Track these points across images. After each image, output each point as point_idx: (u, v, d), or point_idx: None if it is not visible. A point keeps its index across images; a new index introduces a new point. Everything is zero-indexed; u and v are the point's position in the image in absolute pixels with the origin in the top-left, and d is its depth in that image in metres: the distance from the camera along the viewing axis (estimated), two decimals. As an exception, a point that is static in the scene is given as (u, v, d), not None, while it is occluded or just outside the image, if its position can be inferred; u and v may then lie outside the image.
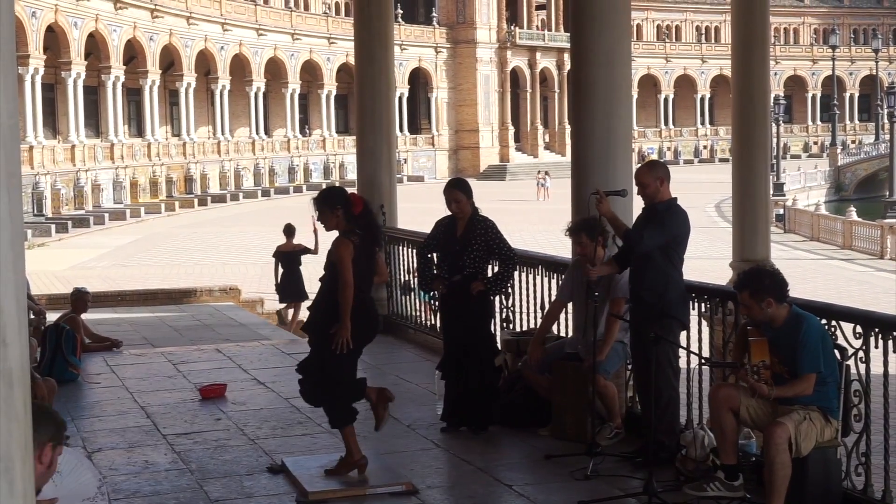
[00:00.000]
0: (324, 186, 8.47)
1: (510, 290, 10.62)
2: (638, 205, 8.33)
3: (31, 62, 46.55)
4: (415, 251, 12.46)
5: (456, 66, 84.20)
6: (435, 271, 9.46)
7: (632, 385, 8.99)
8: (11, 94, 3.17)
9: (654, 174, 8.03)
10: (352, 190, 9.30)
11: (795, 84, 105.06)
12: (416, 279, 12.58)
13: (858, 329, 6.90)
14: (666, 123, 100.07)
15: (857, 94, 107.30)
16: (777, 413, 6.81)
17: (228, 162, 64.36)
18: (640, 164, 8.44)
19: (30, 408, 3.27)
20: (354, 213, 7.85)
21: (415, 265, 12.04)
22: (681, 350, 8.10)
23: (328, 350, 7.71)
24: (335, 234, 7.96)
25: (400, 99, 73.24)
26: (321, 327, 7.84)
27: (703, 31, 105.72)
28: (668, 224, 7.91)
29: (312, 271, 8.57)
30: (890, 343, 6.72)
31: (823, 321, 6.95)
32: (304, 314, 12.41)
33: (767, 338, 6.84)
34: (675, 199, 8.07)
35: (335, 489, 7.60)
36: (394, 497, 7.48)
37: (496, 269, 9.36)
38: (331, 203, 7.87)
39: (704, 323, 8.72)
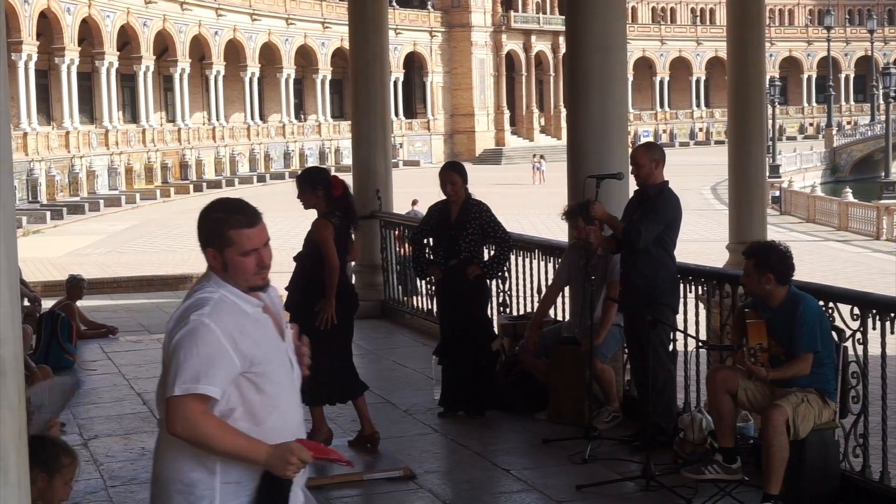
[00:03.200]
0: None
1: (507, 273, 10.60)
2: (635, 188, 8.30)
3: (24, 48, 46.43)
4: (409, 236, 12.46)
5: (451, 50, 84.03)
6: (430, 256, 9.46)
7: (629, 369, 8.98)
8: (2, 82, 3.14)
9: (650, 155, 8.00)
10: (347, 175, 9.30)
11: (790, 65, 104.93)
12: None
13: (856, 310, 6.90)
14: (661, 106, 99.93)
15: (852, 75, 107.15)
16: (775, 395, 6.80)
17: (224, 148, 64.26)
18: (637, 145, 8.42)
19: (23, 395, 3.25)
20: (334, 195, 8.04)
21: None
22: (678, 333, 8.10)
23: (313, 327, 7.81)
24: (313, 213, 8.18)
25: (395, 83, 73.12)
26: (302, 306, 7.96)
27: (698, 13, 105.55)
28: (660, 212, 7.89)
29: (286, 256, 8.61)
30: (887, 324, 6.71)
31: (821, 302, 6.94)
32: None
33: (765, 319, 6.83)
34: (667, 182, 8.05)
35: (332, 475, 7.59)
36: (391, 482, 7.47)
37: (492, 252, 9.34)
38: (312, 183, 8.09)
39: (701, 306, 8.70)
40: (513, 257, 10.24)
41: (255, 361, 3.77)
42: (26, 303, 11.63)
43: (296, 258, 8.23)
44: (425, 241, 9.58)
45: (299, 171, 8.69)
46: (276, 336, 3.92)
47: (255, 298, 3.90)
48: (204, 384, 3.69)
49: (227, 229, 3.83)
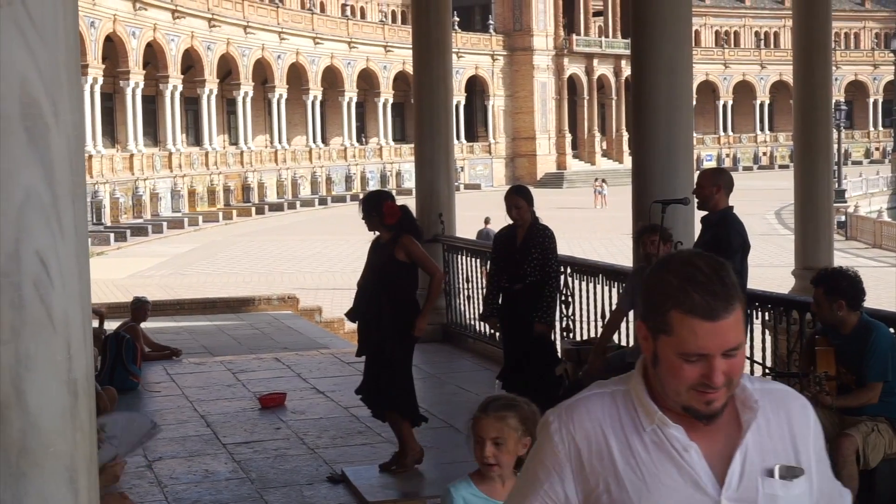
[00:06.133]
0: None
1: (570, 298, 10.55)
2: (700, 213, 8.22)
3: (90, 72, 47.08)
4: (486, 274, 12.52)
5: (513, 74, 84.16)
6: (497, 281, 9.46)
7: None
8: (77, 105, 3.16)
9: (712, 179, 7.92)
10: (410, 198, 9.32)
11: (856, 89, 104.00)
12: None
13: (928, 338, 6.78)
14: (725, 130, 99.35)
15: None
16: (844, 424, 6.70)
17: (285, 170, 64.70)
18: (707, 168, 8.37)
19: (94, 418, 3.25)
20: (386, 223, 8.09)
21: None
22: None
23: (400, 346, 8.03)
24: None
25: (457, 107, 73.29)
26: (392, 332, 8.05)
27: (762, 37, 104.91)
28: (729, 243, 7.75)
29: (346, 278, 8.63)
30: (960, 353, 6.59)
31: (892, 329, 6.84)
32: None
33: (834, 347, 6.74)
34: (731, 208, 7.95)
35: (395, 499, 7.57)
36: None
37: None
38: (367, 209, 8.19)
39: (768, 332, 8.59)
40: (576, 282, 10.20)
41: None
42: (95, 324, 11.74)
43: (366, 286, 8.27)
44: (498, 280, 9.58)
45: (362, 194, 8.87)
46: (691, 483, 2.43)
47: (676, 420, 2.46)
48: None
49: (671, 308, 2.41)
